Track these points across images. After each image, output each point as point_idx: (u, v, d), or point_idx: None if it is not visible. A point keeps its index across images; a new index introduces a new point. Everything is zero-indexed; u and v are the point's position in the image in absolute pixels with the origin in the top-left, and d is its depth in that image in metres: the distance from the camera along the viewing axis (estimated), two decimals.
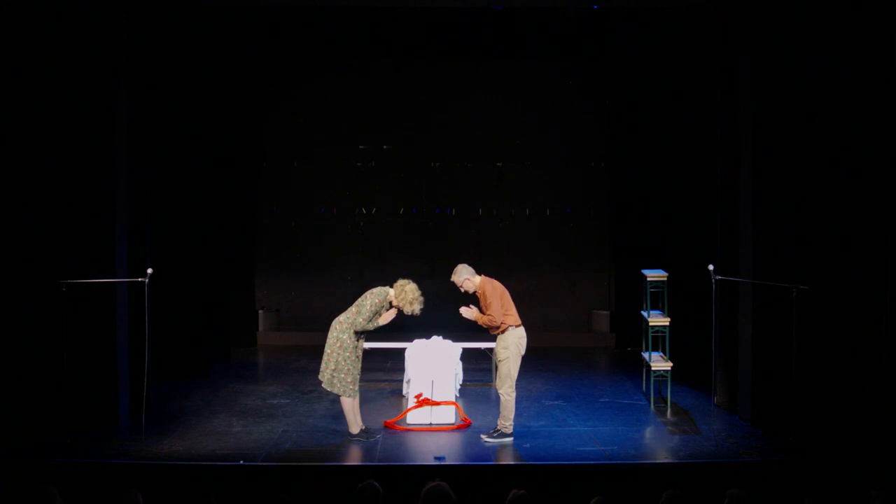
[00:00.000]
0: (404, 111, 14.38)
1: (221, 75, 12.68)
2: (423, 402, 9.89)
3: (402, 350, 11.11)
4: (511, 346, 9.06)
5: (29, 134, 9.25)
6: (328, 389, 9.12)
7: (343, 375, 8.97)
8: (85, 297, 9.09)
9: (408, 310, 9.00)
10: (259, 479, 7.88)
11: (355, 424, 9.21)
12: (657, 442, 9.33)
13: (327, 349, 9.02)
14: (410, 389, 10.35)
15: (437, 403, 9.94)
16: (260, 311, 14.37)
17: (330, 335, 9.04)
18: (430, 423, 9.69)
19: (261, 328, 14.33)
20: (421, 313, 9.05)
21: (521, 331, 9.12)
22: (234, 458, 8.43)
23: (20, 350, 9.17)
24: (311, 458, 8.63)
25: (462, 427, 9.67)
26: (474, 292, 9.20)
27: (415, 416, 9.79)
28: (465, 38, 13.44)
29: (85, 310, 9.18)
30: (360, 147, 14.51)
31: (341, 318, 9.05)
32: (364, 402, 9.35)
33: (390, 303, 9.05)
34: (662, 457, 8.84)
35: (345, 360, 8.96)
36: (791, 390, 8.83)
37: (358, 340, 9.04)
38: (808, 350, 8.88)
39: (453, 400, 10.17)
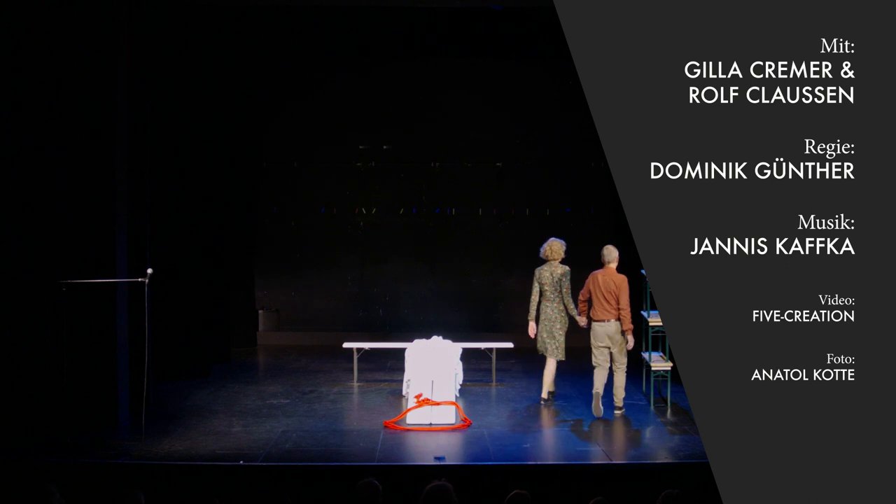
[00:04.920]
0: (404, 111, 14.37)
1: (222, 75, 12.68)
2: (423, 402, 9.90)
3: (402, 350, 11.12)
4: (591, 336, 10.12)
5: (29, 134, 9.24)
6: (556, 357, 10.40)
7: (560, 343, 10.39)
8: (85, 297, 9.08)
9: (562, 254, 10.36)
10: (259, 479, 7.88)
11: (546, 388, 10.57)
12: (657, 442, 9.32)
13: (555, 331, 10.33)
14: (410, 389, 10.35)
15: (437, 403, 9.95)
16: (260, 311, 14.38)
17: (555, 323, 10.32)
18: (430, 424, 9.68)
19: (261, 328, 14.34)
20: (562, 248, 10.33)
21: (594, 325, 10.01)
22: (234, 458, 8.42)
23: (20, 350, 9.16)
24: (311, 458, 8.61)
25: (462, 427, 9.67)
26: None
27: (415, 417, 9.79)
28: (465, 38, 13.43)
29: (85, 310, 9.18)
30: (360, 147, 14.52)
31: (556, 305, 10.28)
32: (364, 402, 9.34)
33: (563, 262, 10.38)
34: (662, 457, 8.83)
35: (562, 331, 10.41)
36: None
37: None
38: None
39: (453, 400, 10.18)
